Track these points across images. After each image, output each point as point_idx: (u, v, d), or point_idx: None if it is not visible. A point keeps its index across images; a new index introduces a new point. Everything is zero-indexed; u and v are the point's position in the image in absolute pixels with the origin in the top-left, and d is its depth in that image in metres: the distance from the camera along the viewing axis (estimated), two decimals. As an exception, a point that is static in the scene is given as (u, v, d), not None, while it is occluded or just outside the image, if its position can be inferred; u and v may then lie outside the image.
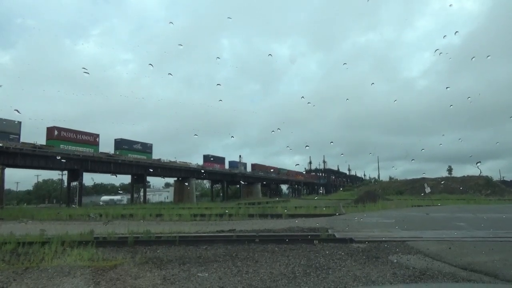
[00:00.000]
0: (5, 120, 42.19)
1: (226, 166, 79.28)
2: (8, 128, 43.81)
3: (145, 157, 60.78)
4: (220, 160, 76.79)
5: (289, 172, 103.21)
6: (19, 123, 44.76)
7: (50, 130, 48.13)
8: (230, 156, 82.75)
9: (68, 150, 48.66)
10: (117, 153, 56.71)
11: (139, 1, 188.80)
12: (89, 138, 52.95)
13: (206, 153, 75.02)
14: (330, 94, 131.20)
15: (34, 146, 45.90)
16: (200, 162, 71.85)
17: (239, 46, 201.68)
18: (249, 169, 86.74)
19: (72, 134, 50.56)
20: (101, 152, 54.08)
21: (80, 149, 50.66)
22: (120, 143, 57.48)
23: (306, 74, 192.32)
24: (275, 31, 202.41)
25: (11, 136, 44.26)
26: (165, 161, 64.07)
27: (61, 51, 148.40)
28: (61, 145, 48.54)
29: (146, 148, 62.13)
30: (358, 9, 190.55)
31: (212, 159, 73.04)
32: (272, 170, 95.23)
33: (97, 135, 54.28)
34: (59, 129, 48.52)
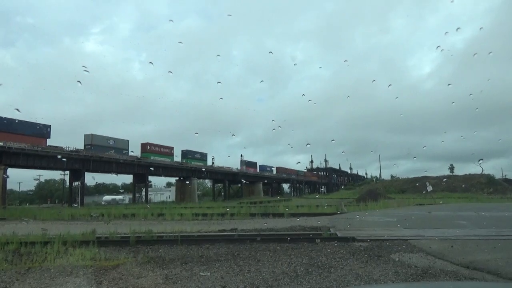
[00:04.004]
0: (120, 139, 56.27)
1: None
2: (122, 145, 56.55)
3: (202, 164, 71.54)
4: (253, 164, 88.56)
5: (306, 174, 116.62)
6: (127, 141, 57.93)
7: (143, 146, 60.29)
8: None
9: (155, 160, 59.75)
10: (184, 161, 67.36)
11: (148, 1, 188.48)
12: (167, 150, 64.41)
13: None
14: (337, 94, 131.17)
15: (137, 158, 57.66)
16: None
17: (248, 47, 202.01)
18: (274, 172, 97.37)
19: (157, 148, 62.34)
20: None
21: (162, 159, 61.94)
22: (185, 154, 68.55)
23: (313, 74, 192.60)
24: (285, 33, 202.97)
25: (124, 151, 56.28)
26: (216, 166, 73.94)
27: (61, 50, 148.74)
28: (151, 157, 59.75)
29: (203, 157, 73.57)
30: (367, 11, 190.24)
31: (247, 163, 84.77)
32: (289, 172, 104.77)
33: (172, 148, 65.72)
34: (150, 145, 60.85)
